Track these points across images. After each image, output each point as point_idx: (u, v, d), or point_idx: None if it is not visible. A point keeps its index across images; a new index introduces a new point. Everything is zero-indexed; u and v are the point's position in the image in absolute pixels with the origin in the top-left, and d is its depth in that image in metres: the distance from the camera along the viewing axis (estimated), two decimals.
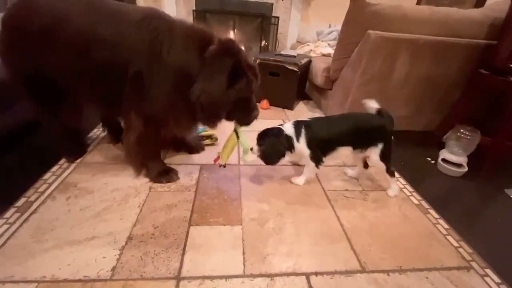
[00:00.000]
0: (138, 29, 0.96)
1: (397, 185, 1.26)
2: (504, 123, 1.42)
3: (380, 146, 1.15)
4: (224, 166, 1.18)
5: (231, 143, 1.13)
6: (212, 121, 1.04)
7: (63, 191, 1.10)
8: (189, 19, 3.20)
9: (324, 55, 2.38)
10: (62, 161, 1.28)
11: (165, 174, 1.20)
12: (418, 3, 3.11)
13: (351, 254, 0.92)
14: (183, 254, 0.86)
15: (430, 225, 1.09)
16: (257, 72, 1.00)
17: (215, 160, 1.17)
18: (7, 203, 1.01)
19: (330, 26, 2.77)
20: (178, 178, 1.22)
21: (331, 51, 2.34)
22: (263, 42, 3.49)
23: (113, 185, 1.15)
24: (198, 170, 1.30)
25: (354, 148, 1.17)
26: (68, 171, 1.22)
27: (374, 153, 1.16)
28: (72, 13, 0.99)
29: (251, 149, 1.15)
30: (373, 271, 0.86)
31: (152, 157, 1.20)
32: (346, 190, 1.25)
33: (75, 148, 1.34)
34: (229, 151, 1.14)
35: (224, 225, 0.99)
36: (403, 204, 1.19)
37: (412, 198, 1.24)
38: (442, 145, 1.58)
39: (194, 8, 3.23)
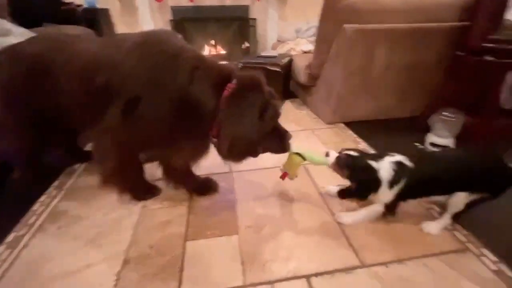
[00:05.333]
0: (137, 54, 0.88)
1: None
2: (487, 102, 1.45)
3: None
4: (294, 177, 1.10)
5: (296, 160, 1.02)
6: (242, 159, 0.96)
7: (53, 221, 1.07)
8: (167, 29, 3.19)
9: (305, 52, 2.40)
10: (50, 189, 1.25)
11: (147, 191, 1.18)
12: None
13: (349, 251, 0.93)
14: (181, 272, 0.85)
15: (424, 211, 1.11)
16: (276, 95, 0.95)
17: (283, 177, 1.08)
18: None
19: (308, 22, 2.79)
20: (160, 190, 1.20)
21: (311, 47, 2.35)
22: (244, 45, 3.49)
23: (105, 209, 1.13)
24: None
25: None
26: (57, 199, 1.19)
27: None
28: (84, 49, 0.95)
29: (327, 154, 1.01)
30: (372, 265, 0.87)
31: (134, 180, 1.13)
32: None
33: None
34: (296, 168, 1.05)
35: (221, 236, 0.99)
36: None
37: None
38: (428, 129, 1.60)
39: (171, 18, 3.21)
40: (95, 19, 2.56)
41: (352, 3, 1.61)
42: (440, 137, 1.49)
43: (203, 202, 1.16)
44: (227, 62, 0.97)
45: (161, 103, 0.84)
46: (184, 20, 3.26)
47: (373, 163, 0.93)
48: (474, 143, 1.50)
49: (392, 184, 0.91)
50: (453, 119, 1.47)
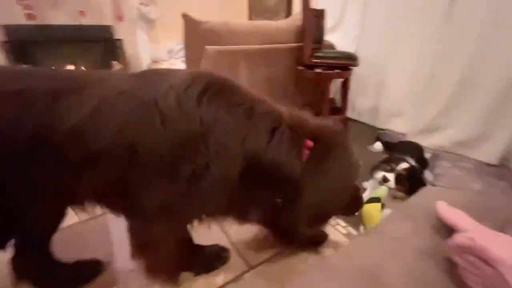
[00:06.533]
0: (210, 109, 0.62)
1: None
2: (323, 103, 1.87)
3: None
4: None
5: (377, 209, 0.96)
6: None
7: None
8: None
9: None
10: None
11: (215, 257, 0.94)
12: (250, 17, 3.63)
13: (239, 258, 0.97)
14: None
15: None
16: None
17: None
18: None
19: (179, 43, 2.83)
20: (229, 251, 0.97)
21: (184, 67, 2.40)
22: (115, 66, 3.19)
23: None
24: None
25: None
26: None
27: None
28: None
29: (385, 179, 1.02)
30: (258, 265, 0.94)
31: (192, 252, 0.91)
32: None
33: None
34: (378, 217, 0.98)
35: None
36: None
37: None
38: None
39: (6, 39, 2.57)
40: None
41: (210, 26, 1.74)
42: None
43: (69, 253, 0.95)
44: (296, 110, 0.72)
45: (231, 171, 0.65)
46: (25, 42, 2.67)
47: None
48: None
49: None
50: None
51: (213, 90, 0.63)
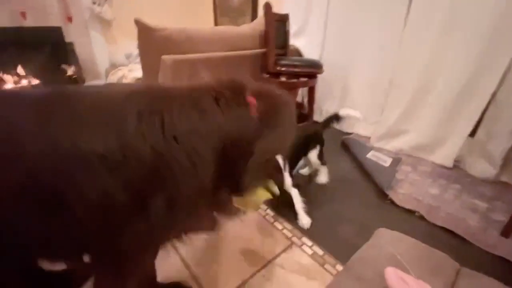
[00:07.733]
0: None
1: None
2: None
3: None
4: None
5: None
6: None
7: None
8: None
9: (139, 79, 2.26)
10: None
11: None
12: (215, 17, 3.51)
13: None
14: None
15: (261, 219, 1.26)
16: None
17: None
18: None
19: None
20: None
21: None
22: (69, 71, 2.91)
23: None
24: None
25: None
26: None
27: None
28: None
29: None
30: None
31: None
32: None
33: None
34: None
35: None
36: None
37: None
38: None
39: None
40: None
41: (167, 34, 1.62)
42: None
43: None
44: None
45: (208, 170, 0.62)
46: None
47: None
48: None
49: None
50: None
51: (149, 109, 0.56)
